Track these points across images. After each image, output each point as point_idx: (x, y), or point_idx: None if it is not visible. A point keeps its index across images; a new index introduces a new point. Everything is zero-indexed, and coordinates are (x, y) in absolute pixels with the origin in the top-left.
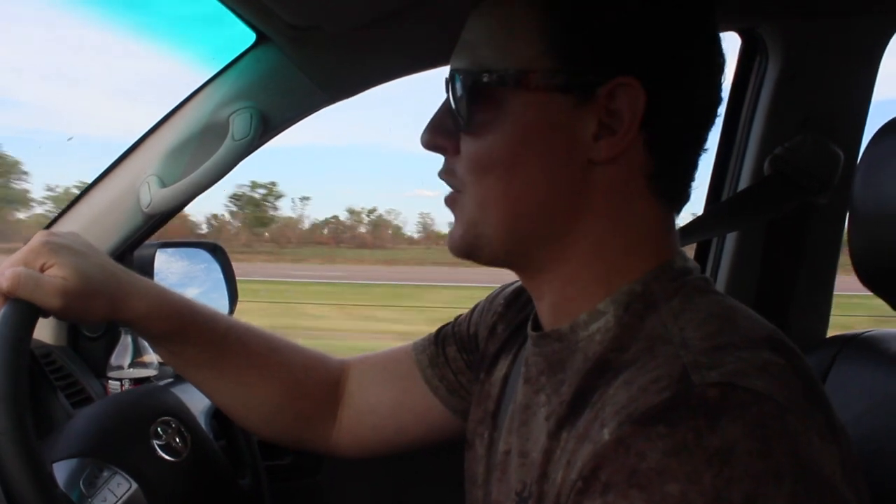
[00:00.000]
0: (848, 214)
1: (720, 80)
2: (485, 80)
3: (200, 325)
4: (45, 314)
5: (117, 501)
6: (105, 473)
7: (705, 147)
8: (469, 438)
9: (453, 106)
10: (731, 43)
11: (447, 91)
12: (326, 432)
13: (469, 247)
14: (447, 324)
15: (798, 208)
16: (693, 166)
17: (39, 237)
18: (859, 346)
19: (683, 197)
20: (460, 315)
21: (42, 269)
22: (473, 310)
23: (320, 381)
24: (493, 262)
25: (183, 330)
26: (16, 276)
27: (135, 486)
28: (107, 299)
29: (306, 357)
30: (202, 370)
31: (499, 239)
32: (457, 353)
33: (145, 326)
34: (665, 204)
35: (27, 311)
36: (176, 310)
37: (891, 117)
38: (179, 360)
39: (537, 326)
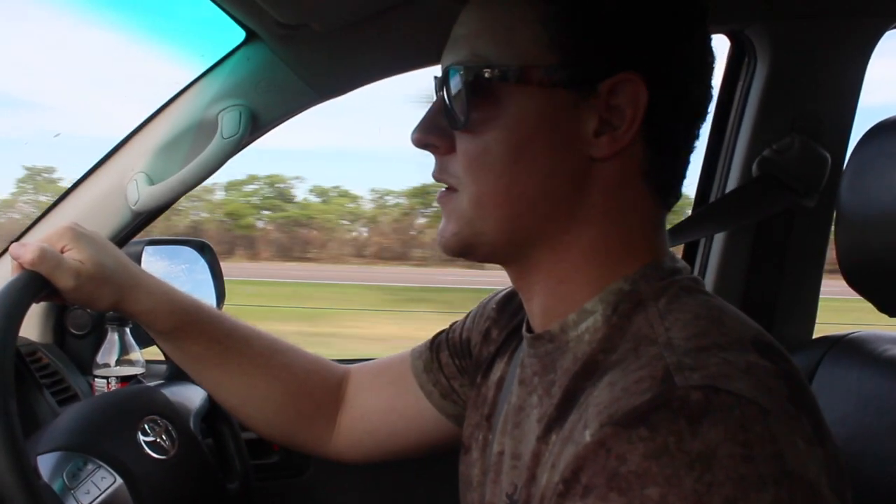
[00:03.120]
0: (835, 217)
1: (711, 75)
2: (486, 75)
3: (205, 324)
4: (55, 293)
5: (101, 494)
6: (89, 467)
7: (696, 143)
8: (465, 442)
9: (448, 103)
10: (719, 45)
11: (440, 89)
12: (326, 435)
13: (464, 245)
14: (443, 330)
15: (785, 210)
16: (687, 162)
17: (65, 224)
18: (846, 347)
19: (676, 193)
20: (455, 321)
21: (62, 251)
22: (467, 316)
23: (321, 384)
24: (488, 259)
25: (187, 327)
26: (41, 251)
27: (119, 481)
28: (116, 289)
29: (308, 360)
30: (206, 367)
31: (497, 237)
32: (449, 358)
33: (150, 321)
34: (659, 201)
35: (37, 283)
36: (181, 308)
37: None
38: (184, 357)
39: (531, 329)
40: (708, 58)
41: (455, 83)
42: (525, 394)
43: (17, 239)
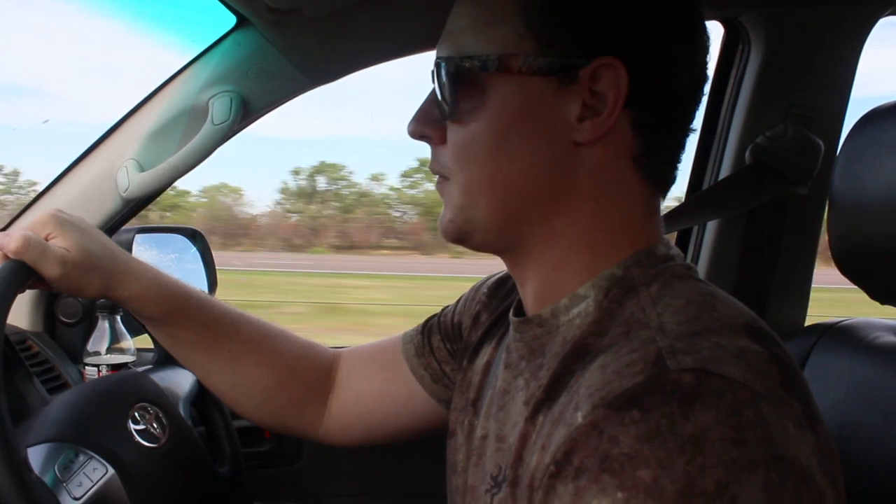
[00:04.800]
0: (827, 204)
1: (705, 58)
2: (466, 66)
3: (194, 309)
4: (41, 280)
5: (93, 486)
6: (81, 458)
7: (693, 127)
8: (451, 427)
9: (439, 95)
10: (713, 32)
11: (433, 80)
12: (317, 419)
13: (459, 232)
14: (434, 314)
15: (778, 197)
16: (679, 146)
17: (49, 211)
18: (838, 334)
19: (669, 178)
20: (447, 306)
21: (47, 239)
22: (459, 300)
23: (312, 369)
24: (483, 246)
25: (176, 313)
26: (25, 239)
27: (111, 471)
28: (103, 275)
29: (299, 345)
30: (196, 353)
31: (489, 224)
32: (441, 342)
33: (139, 307)
34: (651, 186)
35: (22, 272)
36: (170, 293)
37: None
38: (174, 342)
39: (520, 313)
40: (697, 40)
41: (442, 75)
42: (510, 377)
43: (5, 228)
